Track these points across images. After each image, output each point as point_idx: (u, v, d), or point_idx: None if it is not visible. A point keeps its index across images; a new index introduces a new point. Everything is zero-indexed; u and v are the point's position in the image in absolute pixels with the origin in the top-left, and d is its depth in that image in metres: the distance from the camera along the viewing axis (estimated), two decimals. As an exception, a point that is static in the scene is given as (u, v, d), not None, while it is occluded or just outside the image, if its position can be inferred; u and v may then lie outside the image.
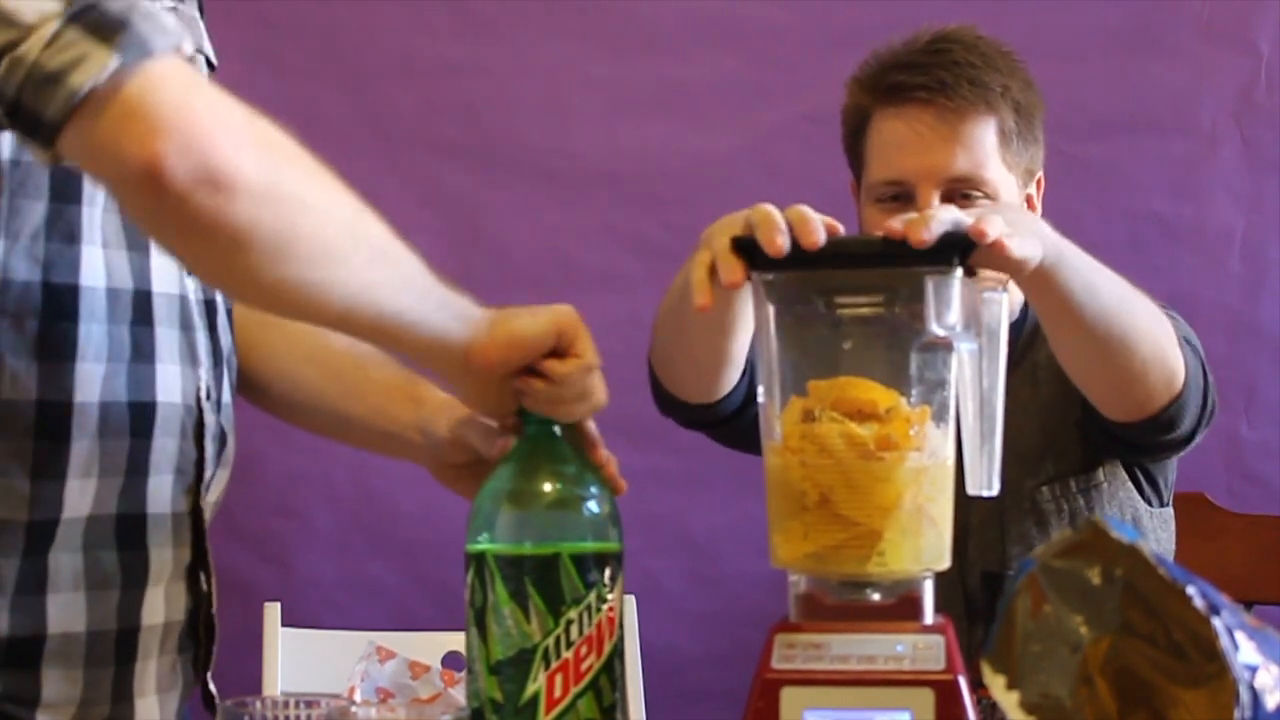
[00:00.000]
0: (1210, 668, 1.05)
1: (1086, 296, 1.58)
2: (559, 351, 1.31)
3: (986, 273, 1.32)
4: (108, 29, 1.10)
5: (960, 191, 1.88)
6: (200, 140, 1.09)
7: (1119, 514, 1.94)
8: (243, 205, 1.12)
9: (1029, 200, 1.97)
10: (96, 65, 1.09)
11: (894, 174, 1.90)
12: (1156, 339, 1.69)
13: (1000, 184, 1.90)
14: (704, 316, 1.65)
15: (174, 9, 1.42)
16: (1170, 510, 2.02)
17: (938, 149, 1.88)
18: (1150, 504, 1.97)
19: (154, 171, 1.09)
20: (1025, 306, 1.97)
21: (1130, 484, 1.95)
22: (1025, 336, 1.95)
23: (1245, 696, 1.04)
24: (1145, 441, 1.84)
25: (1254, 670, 1.05)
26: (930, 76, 1.89)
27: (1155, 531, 1.97)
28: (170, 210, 1.11)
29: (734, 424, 1.87)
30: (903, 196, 1.90)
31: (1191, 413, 1.78)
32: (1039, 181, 1.99)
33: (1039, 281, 1.52)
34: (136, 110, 1.09)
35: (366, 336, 1.29)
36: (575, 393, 1.31)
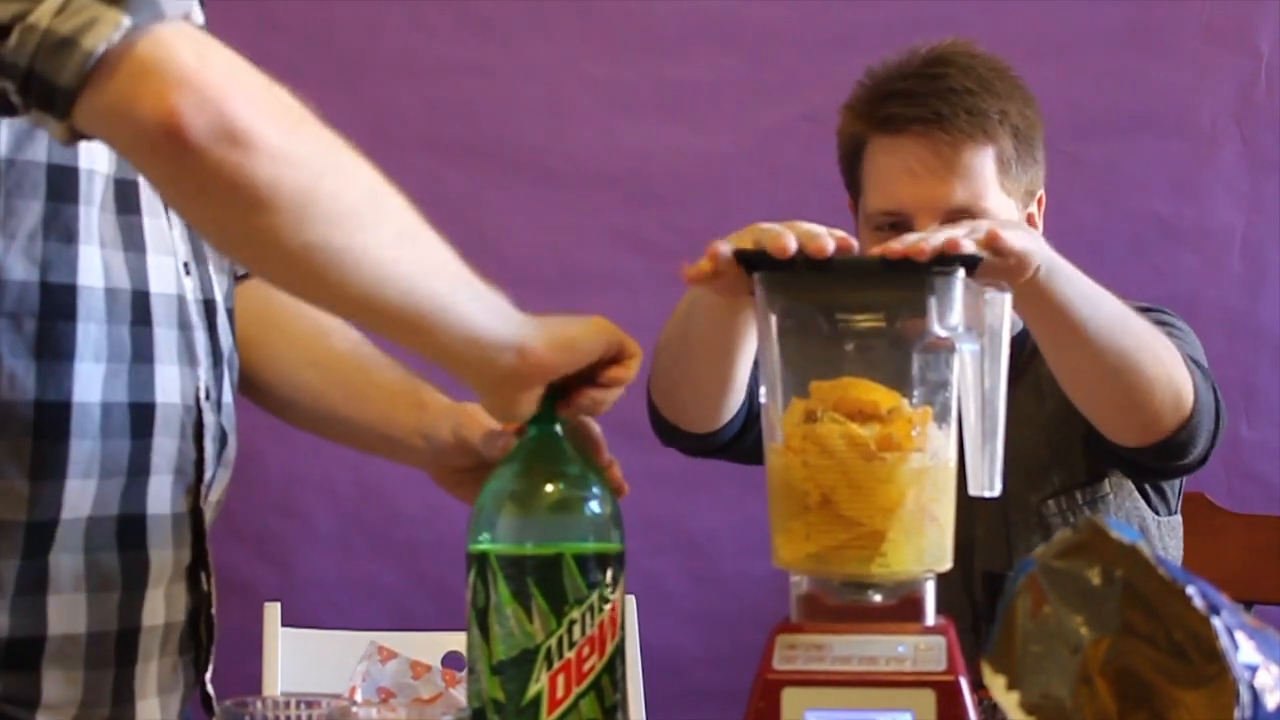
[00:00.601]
0: (1210, 668, 1.06)
1: (1087, 310, 1.58)
2: (615, 358, 1.30)
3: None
4: None
5: (959, 221, 1.85)
6: (218, 95, 1.08)
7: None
8: (263, 163, 1.09)
9: (1030, 219, 1.95)
10: (109, 26, 1.07)
11: (892, 205, 1.88)
12: (1160, 356, 1.68)
13: (999, 211, 1.88)
14: (708, 342, 1.65)
15: None
16: (1178, 518, 2.01)
17: (935, 182, 1.86)
18: (1158, 513, 1.96)
19: (172, 128, 1.07)
20: None
21: (1137, 494, 1.94)
22: (1029, 349, 1.94)
23: (1245, 696, 1.05)
24: (1157, 466, 1.83)
25: (1254, 670, 1.06)
26: (926, 108, 1.86)
27: (1163, 540, 1.97)
28: (190, 169, 1.09)
29: (735, 448, 1.88)
30: (901, 226, 1.86)
31: (1204, 436, 1.77)
32: (1040, 199, 1.97)
33: (1037, 293, 1.52)
34: (151, 68, 1.07)
35: (393, 322, 1.21)
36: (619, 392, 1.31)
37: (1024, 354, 1.94)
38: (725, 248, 1.31)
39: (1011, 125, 1.88)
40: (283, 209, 1.11)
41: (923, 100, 1.86)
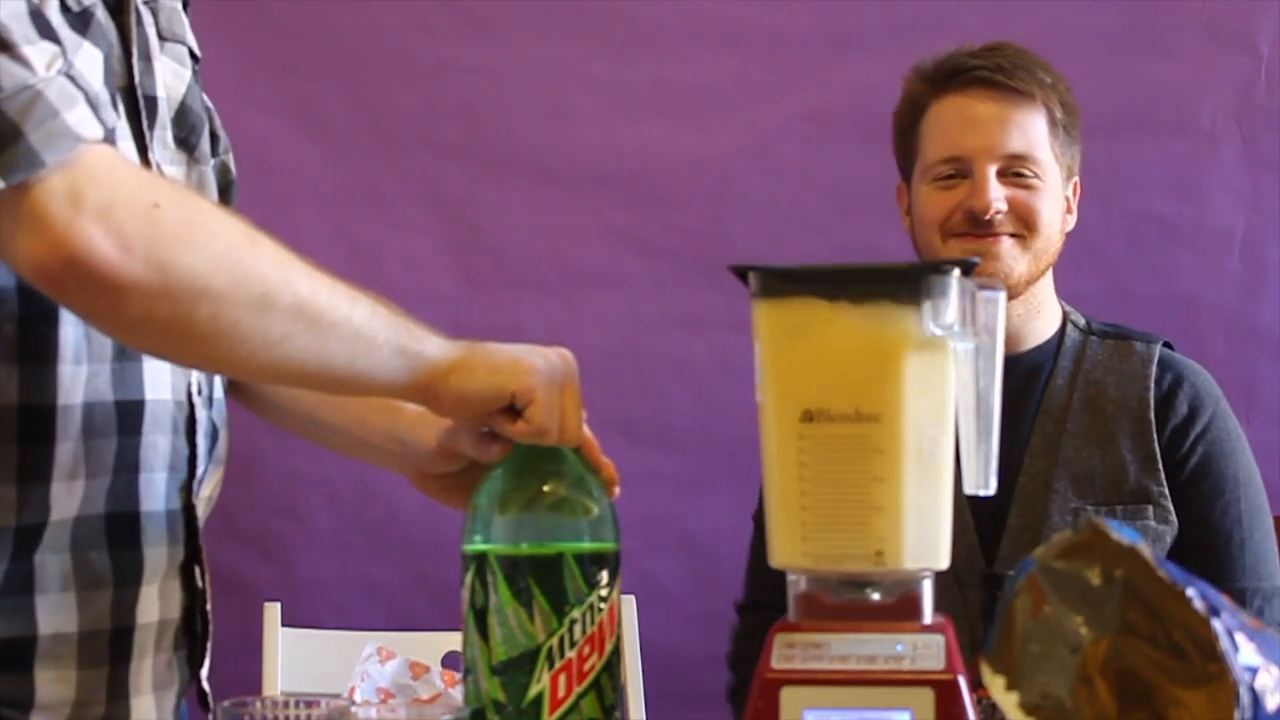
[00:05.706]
0: (1210, 668, 1.06)
1: None
2: (515, 410, 1.30)
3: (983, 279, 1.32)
4: None
5: (1014, 169, 2.04)
6: (84, 249, 1.14)
7: None
8: (134, 304, 1.16)
9: (1067, 202, 2.10)
10: None
11: (954, 151, 2.05)
12: None
13: (1049, 169, 2.05)
14: None
15: (151, 4, 1.42)
16: None
17: (996, 127, 2.04)
18: None
19: (44, 278, 1.15)
20: (1061, 330, 2.11)
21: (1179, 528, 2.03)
22: (1079, 361, 2.08)
23: (1245, 698, 1.04)
24: None
25: (1254, 671, 1.06)
26: (989, 61, 2.06)
27: None
28: (70, 304, 1.20)
29: None
30: (960, 174, 2.05)
31: None
32: (1076, 185, 2.12)
33: None
34: (25, 222, 1.14)
35: (300, 388, 1.42)
36: (531, 442, 1.31)
37: (1071, 363, 2.08)
38: None
39: (1059, 96, 2.08)
40: (157, 337, 1.20)
41: (985, 57, 2.07)
